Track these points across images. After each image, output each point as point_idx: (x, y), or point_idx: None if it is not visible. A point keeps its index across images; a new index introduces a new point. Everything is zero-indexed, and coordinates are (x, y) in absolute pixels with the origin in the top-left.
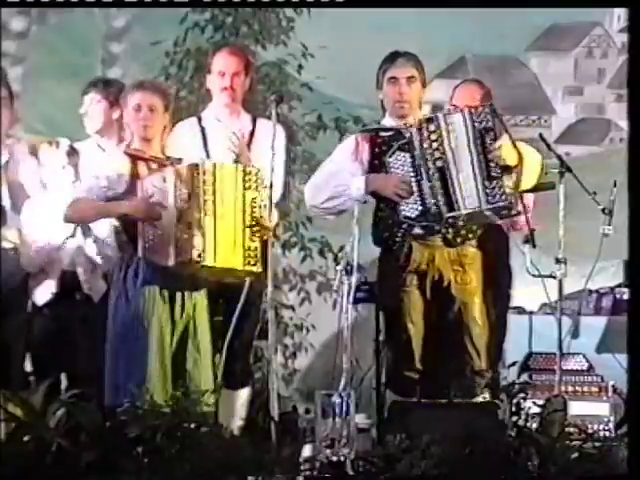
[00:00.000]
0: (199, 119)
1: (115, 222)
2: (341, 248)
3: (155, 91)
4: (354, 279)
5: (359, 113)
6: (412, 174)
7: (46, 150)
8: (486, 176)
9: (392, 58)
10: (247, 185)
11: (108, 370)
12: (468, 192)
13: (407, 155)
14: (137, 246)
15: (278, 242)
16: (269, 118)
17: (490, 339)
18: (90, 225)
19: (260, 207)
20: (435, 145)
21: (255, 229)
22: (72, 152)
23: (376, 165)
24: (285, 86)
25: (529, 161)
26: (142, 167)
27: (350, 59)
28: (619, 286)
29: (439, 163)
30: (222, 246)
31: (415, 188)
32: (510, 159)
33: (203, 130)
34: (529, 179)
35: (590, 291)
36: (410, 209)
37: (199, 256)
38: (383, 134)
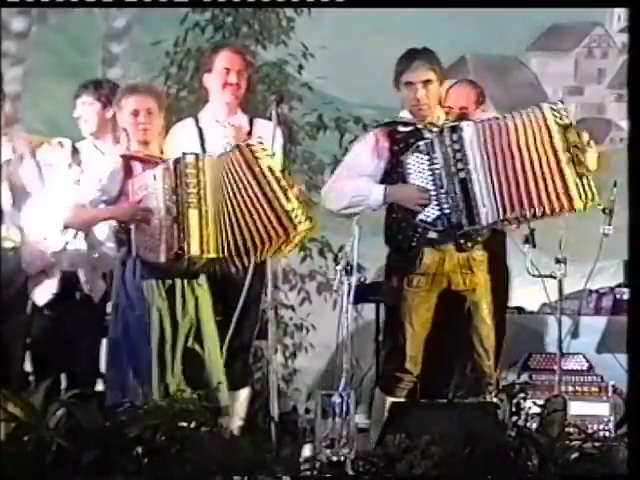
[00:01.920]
0: (196, 120)
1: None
2: (341, 248)
3: (149, 93)
4: (354, 279)
5: (359, 113)
6: (430, 178)
7: (50, 150)
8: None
9: (408, 60)
10: (256, 155)
11: (110, 370)
12: (488, 206)
13: (425, 158)
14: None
15: None
16: (269, 118)
17: (496, 340)
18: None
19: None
20: (458, 156)
21: (291, 192)
22: (75, 152)
23: (395, 164)
24: (285, 86)
25: None
26: (138, 168)
27: (350, 59)
28: (619, 286)
29: (462, 174)
30: (210, 236)
31: (433, 193)
32: None
33: (201, 131)
34: None
35: (590, 291)
36: (426, 214)
37: (182, 249)
38: (402, 129)
